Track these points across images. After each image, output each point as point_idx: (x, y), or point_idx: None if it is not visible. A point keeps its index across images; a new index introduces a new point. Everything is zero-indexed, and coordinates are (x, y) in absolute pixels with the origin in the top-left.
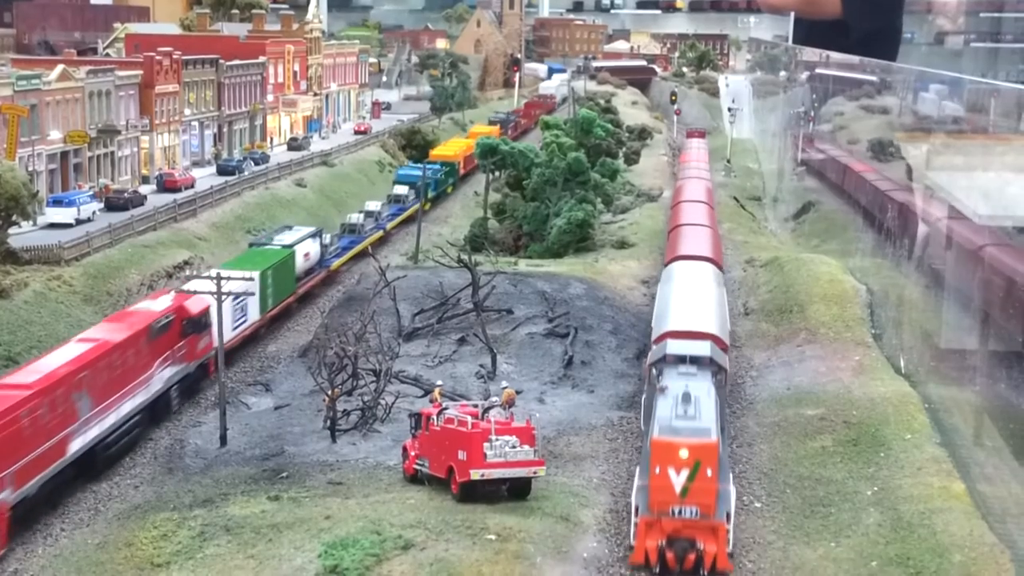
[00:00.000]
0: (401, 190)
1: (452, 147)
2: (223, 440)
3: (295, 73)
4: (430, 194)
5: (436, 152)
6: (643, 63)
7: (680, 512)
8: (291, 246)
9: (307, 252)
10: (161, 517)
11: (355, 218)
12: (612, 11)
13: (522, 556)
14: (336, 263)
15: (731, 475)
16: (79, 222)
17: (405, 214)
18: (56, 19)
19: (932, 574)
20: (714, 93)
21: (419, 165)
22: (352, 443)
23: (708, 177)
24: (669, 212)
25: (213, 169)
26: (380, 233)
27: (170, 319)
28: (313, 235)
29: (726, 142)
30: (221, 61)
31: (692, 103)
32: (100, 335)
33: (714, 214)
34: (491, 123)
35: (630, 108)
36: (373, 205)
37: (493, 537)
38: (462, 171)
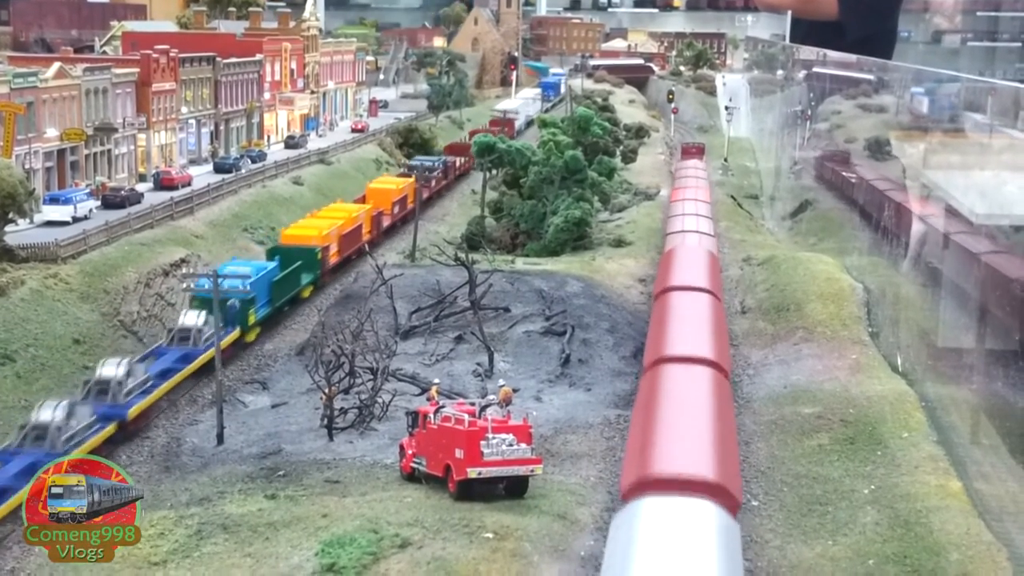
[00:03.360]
0: (193, 320)
1: (320, 222)
2: (220, 438)
3: (292, 71)
4: (258, 314)
5: (292, 232)
6: (640, 62)
7: None
8: None
9: None
10: (158, 515)
11: (47, 414)
12: (609, 10)
13: (519, 554)
14: None
15: None
16: (76, 220)
17: (193, 366)
18: (53, 17)
19: (929, 572)
20: (711, 92)
21: (247, 266)
22: (349, 441)
23: (711, 228)
24: (649, 311)
25: (210, 167)
26: (109, 430)
27: None
28: None
29: (723, 141)
30: (218, 59)
31: (689, 102)
32: None
33: (724, 331)
34: (410, 170)
35: (627, 106)
36: (111, 367)
37: (490, 535)
38: (332, 260)
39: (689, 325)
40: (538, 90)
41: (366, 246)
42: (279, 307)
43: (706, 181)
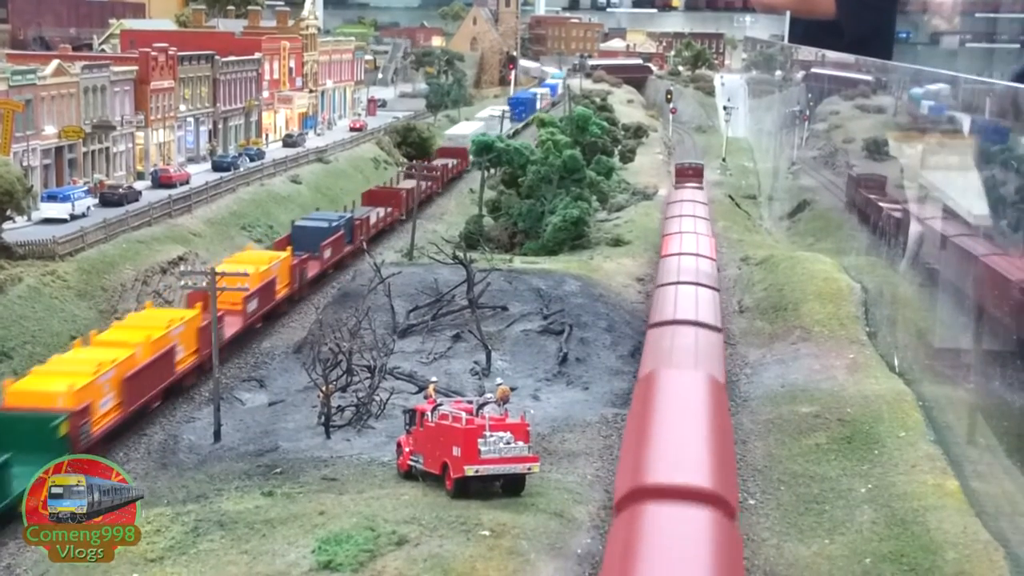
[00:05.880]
0: None
1: (87, 357)
2: (217, 436)
3: (291, 70)
4: None
5: (24, 386)
6: (639, 61)
7: None
8: None
9: None
10: (154, 512)
11: None
12: (608, 9)
13: (516, 552)
14: None
15: None
16: (73, 217)
17: None
18: (51, 15)
19: (926, 571)
20: (710, 92)
21: None
22: (346, 439)
23: (716, 313)
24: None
25: (208, 165)
26: None
27: None
28: None
29: (722, 141)
30: (216, 57)
31: (688, 102)
32: None
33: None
34: (295, 233)
35: (626, 106)
36: None
37: (487, 533)
38: (100, 425)
39: None
40: (504, 107)
41: (364, 244)
42: None
43: (707, 221)
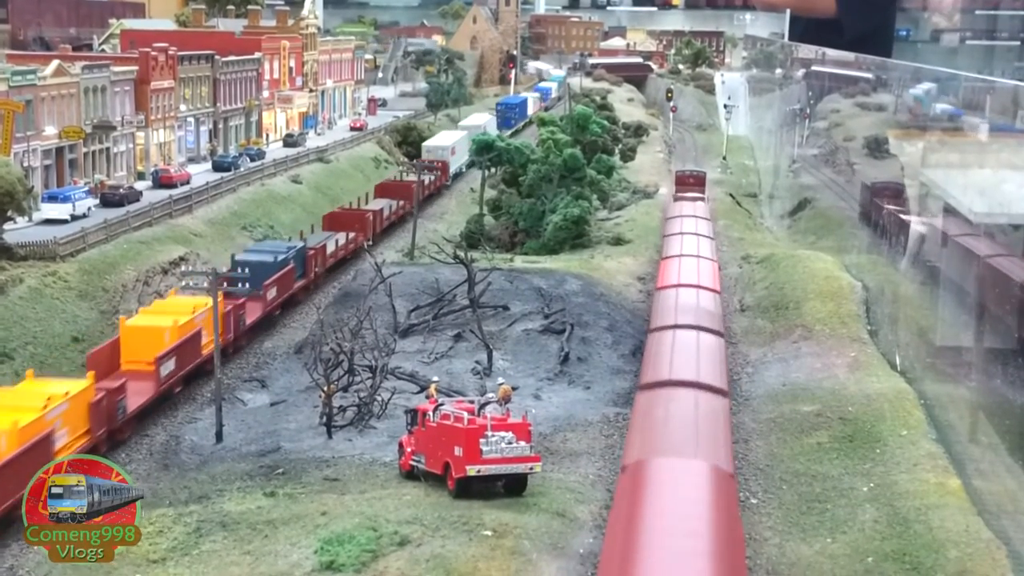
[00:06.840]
0: None
1: None
2: (219, 436)
3: (291, 69)
4: None
5: None
6: (639, 60)
7: None
8: None
9: None
10: (157, 513)
11: None
12: (608, 8)
13: (518, 552)
14: None
15: None
16: (74, 218)
17: None
18: (51, 15)
19: (928, 570)
20: (710, 90)
21: None
22: (348, 439)
23: (721, 370)
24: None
25: (209, 165)
26: None
27: None
28: None
29: (722, 139)
30: (217, 57)
31: (688, 100)
32: None
33: None
34: (236, 268)
35: (626, 105)
36: None
37: (489, 533)
38: None
39: None
40: (488, 116)
41: (366, 243)
42: None
43: (710, 240)
